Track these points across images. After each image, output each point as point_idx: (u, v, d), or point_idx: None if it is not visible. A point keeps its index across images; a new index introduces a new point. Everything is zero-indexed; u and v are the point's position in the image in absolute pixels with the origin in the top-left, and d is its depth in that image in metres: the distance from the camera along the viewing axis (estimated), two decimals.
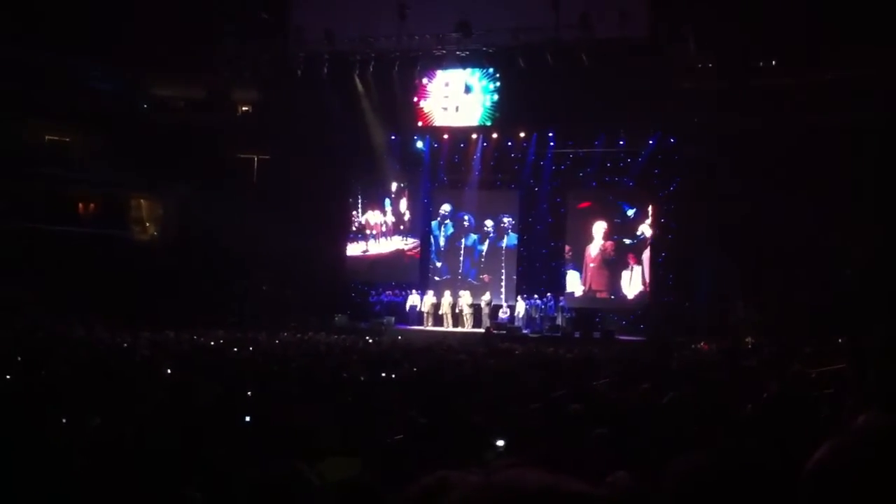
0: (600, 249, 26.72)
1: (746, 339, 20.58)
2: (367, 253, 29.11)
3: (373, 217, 29.11)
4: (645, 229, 26.19)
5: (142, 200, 29.46)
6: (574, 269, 27.06)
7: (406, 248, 28.88)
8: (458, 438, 4.82)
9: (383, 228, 29.00)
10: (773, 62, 24.08)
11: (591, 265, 26.85)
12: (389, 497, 3.08)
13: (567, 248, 27.23)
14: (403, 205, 29.03)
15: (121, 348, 14.04)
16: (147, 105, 28.92)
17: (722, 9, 22.48)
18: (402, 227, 28.93)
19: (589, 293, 26.93)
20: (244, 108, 29.82)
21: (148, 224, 29.50)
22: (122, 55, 27.11)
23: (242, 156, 29.60)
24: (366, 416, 5.64)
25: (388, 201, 29.03)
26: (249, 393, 7.38)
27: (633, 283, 26.34)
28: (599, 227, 26.75)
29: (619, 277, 26.65)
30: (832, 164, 21.68)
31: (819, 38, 21.96)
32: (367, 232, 29.14)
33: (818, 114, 22.52)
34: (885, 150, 21.05)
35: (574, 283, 27.08)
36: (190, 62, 27.34)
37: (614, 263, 26.68)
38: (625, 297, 26.55)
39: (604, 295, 26.93)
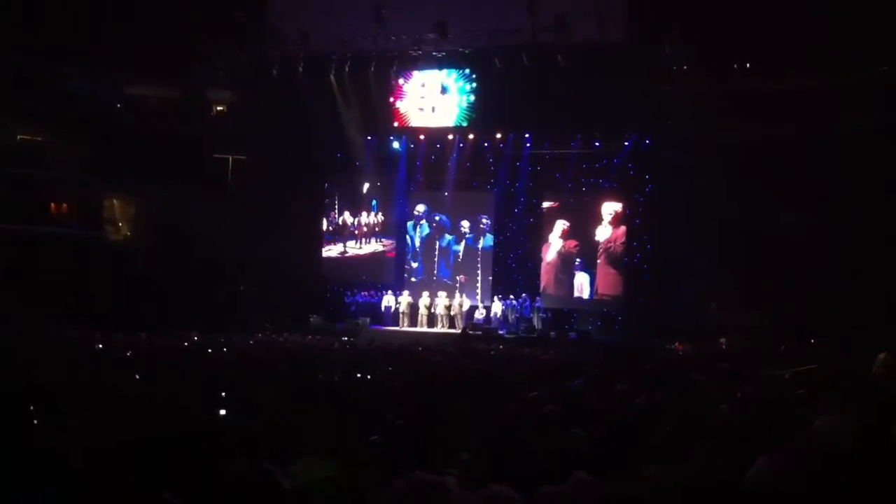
0: (604, 244, 26.29)
1: (721, 341, 20.73)
2: (346, 254, 29.06)
3: (350, 218, 29.04)
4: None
5: (115, 201, 29.17)
6: (584, 270, 26.61)
7: (384, 249, 28.86)
8: (434, 440, 4.82)
9: (365, 229, 28.95)
10: (751, 66, 24.20)
11: (598, 261, 26.45)
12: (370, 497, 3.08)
13: (573, 244, 26.69)
14: (381, 206, 29.01)
15: (94, 350, 13.91)
16: (121, 105, 28.64)
17: (700, 12, 22.58)
18: (377, 229, 28.92)
19: (597, 296, 26.54)
20: (219, 109, 29.63)
21: (121, 225, 29.22)
22: (96, 55, 26.82)
23: (217, 156, 29.41)
24: (342, 417, 5.62)
25: (374, 202, 28.98)
26: (224, 394, 7.34)
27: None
28: (609, 209, 26.36)
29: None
30: (811, 167, 21.87)
31: (799, 43, 22.11)
32: (347, 231, 29.07)
33: (798, 118, 22.70)
34: (864, 154, 21.26)
35: (584, 287, 26.62)
36: (165, 62, 27.11)
37: (620, 259, 26.33)
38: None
39: (609, 296, 26.49)
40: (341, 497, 3.07)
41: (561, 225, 26.96)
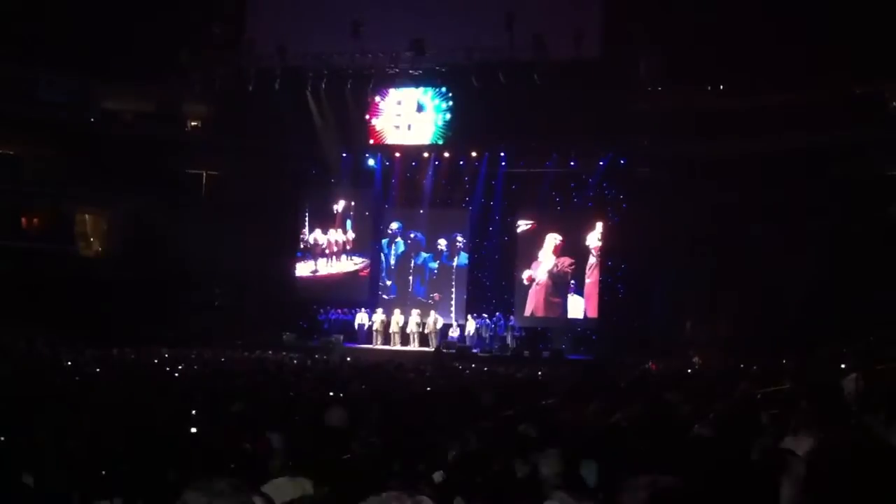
0: (595, 251, 25.80)
1: (694, 359, 20.80)
2: (317, 273, 28.77)
3: (321, 237, 28.82)
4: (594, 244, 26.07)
5: (87, 215, 28.94)
6: (578, 293, 25.94)
7: (356, 268, 28.64)
8: (408, 458, 4.78)
9: (335, 248, 28.73)
10: (724, 83, 24.45)
11: (588, 280, 25.85)
12: None
13: (569, 261, 26.08)
14: (356, 223, 28.87)
15: (63, 365, 13.75)
16: (96, 118, 28.44)
17: (674, 31, 22.79)
18: (348, 248, 28.71)
19: (587, 317, 26.05)
20: (194, 123, 29.49)
21: (93, 239, 28.98)
22: (71, 67, 26.68)
23: (192, 171, 29.26)
24: (316, 435, 5.57)
25: (349, 222, 28.83)
26: (194, 412, 7.26)
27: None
28: (592, 228, 25.93)
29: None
30: (785, 187, 22.09)
31: (772, 62, 22.36)
32: (318, 249, 28.82)
33: (770, 137, 22.91)
34: (838, 173, 21.50)
35: (579, 313, 26.08)
36: (141, 75, 26.98)
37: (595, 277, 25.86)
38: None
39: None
40: None
41: (553, 240, 26.36)
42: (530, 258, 26.65)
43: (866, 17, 20.69)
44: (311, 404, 8.50)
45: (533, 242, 26.71)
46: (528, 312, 26.58)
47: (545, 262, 26.52)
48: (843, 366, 13.85)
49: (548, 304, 26.40)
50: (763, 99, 23.51)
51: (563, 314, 26.30)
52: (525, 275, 26.58)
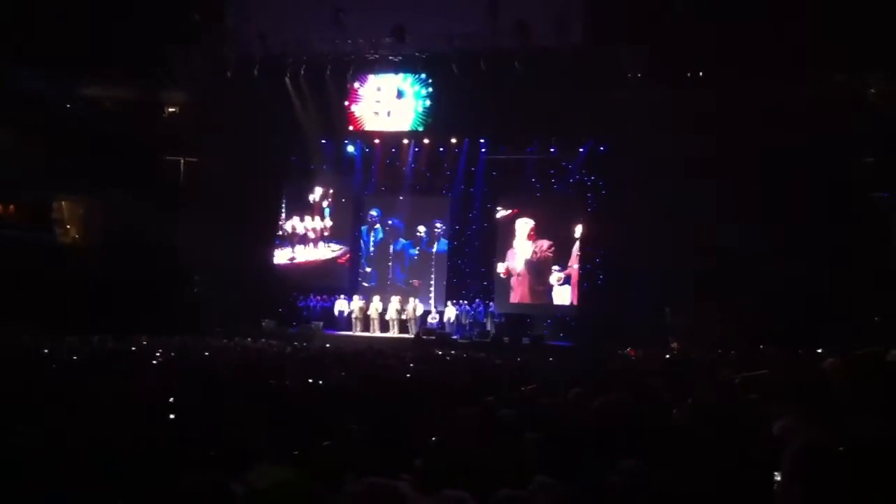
0: (578, 242, 25.82)
1: (673, 345, 20.90)
2: (295, 260, 28.74)
3: (299, 224, 28.76)
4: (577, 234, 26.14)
5: (64, 202, 28.66)
6: (567, 283, 25.95)
7: (334, 255, 28.60)
8: (389, 445, 4.78)
9: (311, 235, 28.67)
10: (707, 74, 24.46)
11: (575, 266, 25.93)
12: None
13: (548, 245, 26.00)
14: (335, 210, 28.82)
15: (43, 353, 13.66)
16: (72, 105, 28.13)
17: (657, 20, 22.75)
18: (325, 234, 28.67)
19: (573, 305, 26.06)
20: (172, 110, 29.24)
21: (70, 226, 28.71)
22: (47, 54, 26.36)
23: (170, 157, 29.03)
24: (295, 423, 5.56)
25: (327, 210, 28.74)
26: (173, 399, 7.23)
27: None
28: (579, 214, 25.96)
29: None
30: (765, 175, 22.16)
31: (756, 52, 22.36)
32: (296, 237, 28.76)
33: (753, 127, 22.95)
34: (833, 171, 21.59)
35: (563, 295, 26.05)
36: (119, 62, 26.69)
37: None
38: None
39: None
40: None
41: (525, 226, 26.42)
42: (510, 246, 26.68)
43: (861, 13, 20.67)
44: (292, 392, 8.49)
45: (513, 230, 26.75)
46: (515, 300, 26.59)
47: (521, 250, 26.52)
48: (819, 350, 13.99)
49: (533, 292, 26.38)
50: (748, 90, 23.53)
51: (549, 301, 26.26)
52: (501, 269, 26.57)
